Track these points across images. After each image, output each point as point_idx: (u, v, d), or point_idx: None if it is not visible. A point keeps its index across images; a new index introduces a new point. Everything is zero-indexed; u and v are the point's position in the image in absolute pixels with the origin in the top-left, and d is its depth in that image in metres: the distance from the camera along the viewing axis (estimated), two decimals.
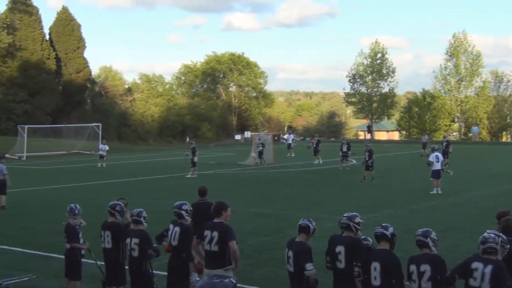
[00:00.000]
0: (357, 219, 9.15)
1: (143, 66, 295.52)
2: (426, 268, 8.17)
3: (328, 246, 9.17)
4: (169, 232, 10.57)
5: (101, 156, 46.21)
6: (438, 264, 8.15)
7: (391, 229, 8.68)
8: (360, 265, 8.77)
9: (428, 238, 8.41)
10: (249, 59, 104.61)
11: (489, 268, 7.87)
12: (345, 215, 9.18)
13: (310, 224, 9.27)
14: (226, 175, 38.33)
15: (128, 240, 10.57)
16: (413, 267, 8.28)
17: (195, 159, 36.77)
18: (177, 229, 10.46)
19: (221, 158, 52.94)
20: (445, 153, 39.66)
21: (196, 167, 36.98)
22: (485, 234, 8.32)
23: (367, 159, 33.67)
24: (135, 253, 10.41)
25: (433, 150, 29.82)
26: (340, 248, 8.97)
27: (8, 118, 71.72)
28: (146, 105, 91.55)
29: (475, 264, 7.98)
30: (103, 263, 11.31)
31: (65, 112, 79.50)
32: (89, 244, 11.87)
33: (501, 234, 8.44)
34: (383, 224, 8.81)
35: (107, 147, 47.39)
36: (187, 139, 43.10)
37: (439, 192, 27.89)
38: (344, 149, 39.85)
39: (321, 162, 45.26)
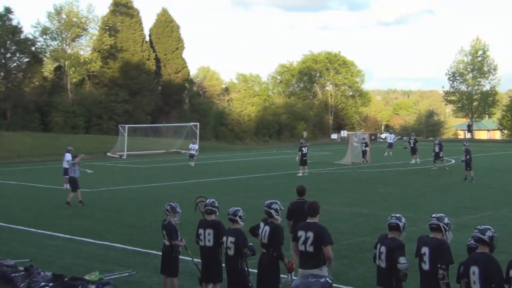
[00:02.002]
0: (446, 220, 9.03)
1: (240, 66, 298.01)
2: None
3: (416, 246, 9.08)
4: (260, 230, 10.61)
5: (191, 156, 46.72)
6: None
7: (489, 232, 8.40)
8: (445, 267, 8.62)
9: None
10: (346, 57, 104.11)
11: None
12: (433, 215, 9.05)
13: (399, 222, 9.29)
14: (322, 174, 38.18)
15: (224, 239, 10.67)
16: None
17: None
18: (267, 228, 10.47)
19: (318, 157, 52.74)
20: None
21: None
22: None
23: (464, 158, 33.08)
24: (231, 252, 10.51)
25: None
26: (425, 249, 8.87)
27: (110, 117, 73.83)
28: (243, 104, 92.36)
29: None
30: (199, 260, 11.44)
31: (164, 111, 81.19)
32: (186, 242, 12.02)
33: None
34: (481, 227, 8.55)
35: (196, 146, 48.59)
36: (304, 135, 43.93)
37: None
38: (436, 149, 38.78)
39: (418, 162, 44.46)
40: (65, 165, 30.12)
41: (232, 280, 10.64)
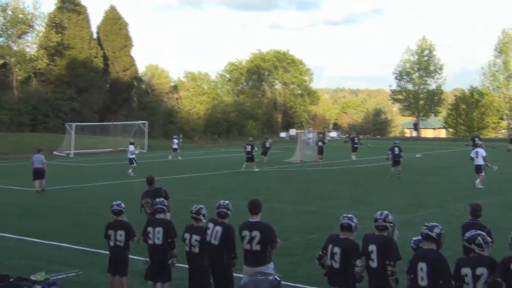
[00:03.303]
0: (390, 218, 9.20)
1: (189, 65, 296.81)
2: (483, 271, 8.05)
3: (362, 244, 9.19)
4: (209, 231, 10.54)
5: (174, 149, 50.20)
6: (494, 268, 8.01)
7: (437, 230, 8.56)
8: (393, 263, 8.76)
9: (487, 245, 8.30)
10: (294, 56, 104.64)
11: None
12: (379, 216, 9.19)
13: (351, 222, 9.34)
14: (271, 173, 38.31)
15: (187, 236, 10.70)
16: (466, 270, 8.14)
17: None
18: (218, 228, 10.43)
19: (267, 155, 52.85)
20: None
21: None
22: None
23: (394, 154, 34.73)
24: (196, 250, 10.59)
25: (477, 146, 31.03)
26: (372, 247, 8.98)
27: (56, 115, 72.86)
28: (192, 102, 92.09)
29: None
30: (147, 259, 11.39)
31: (112, 109, 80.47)
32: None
33: None
34: (430, 224, 8.70)
35: (176, 141, 50.81)
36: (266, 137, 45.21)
37: (480, 187, 28.38)
38: (396, 151, 35.32)
39: (354, 159, 45.61)
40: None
41: (195, 278, 10.69)
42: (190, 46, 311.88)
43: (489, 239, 8.44)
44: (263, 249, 9.92)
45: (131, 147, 37.62)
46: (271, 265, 10.05)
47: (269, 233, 10.03)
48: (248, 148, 39.97)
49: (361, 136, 54.27)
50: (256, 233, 9.93)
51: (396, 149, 34.77)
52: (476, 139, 45.34)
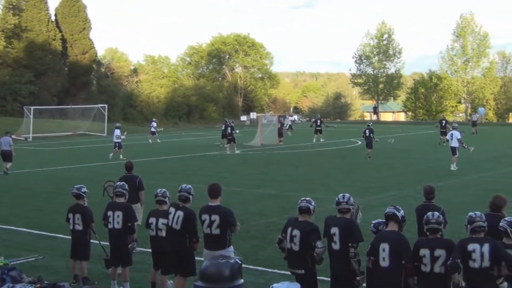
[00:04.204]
0: (352, 200, 9.32)
1: (148, 48, 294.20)
2: (441, 253, 8.22)
3: (324, 227, 9.28)
4: (170, 216, 10.53)
5: (153, 133, 50.50)
6: (452, 249, 8.19)
7: (402, 212, 8.73)
8: (356, 245, 8.88)
9: (441, 226, 8.48)
10: (255, 40, 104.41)
11: (486, 247, 7.96)
12: (341, 199, 9.28)
13: (309, 205, 9.40)
14: (232, 156, 38.32)
15: (153, 220, 10.70)
16: (425, 251, 8.31)
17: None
18: (180, 213, 10.43)
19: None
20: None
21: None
22: (471, 213, 8.42)
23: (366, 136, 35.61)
24: (163, 233, 10.65)
25: (453, 128, 31.54)
26: (335, 230, 9.08)
27: (14, 99, 71.70)
28: (152, 86, 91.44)
29: (472, 246, 8.04)
30: (107, 243, 11.37)
31: (71, 93, 79.50)
32: (94, 225, 11.95)
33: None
34: (395, 206, 8.85)
35: (155, 124, 51.26)
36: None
37: (455, 168, 29.24)
38: (367, 133, 35.86)
39: (320, 141, 45.90)
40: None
41: (161, 262, 10.80)
42: (149, 29, 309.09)
43: (442, 219, 8.62)
44: (222, 233, 9.98)
45: (117, 131, 37.10)
46: (231, 248, 10.13)
47: (229, 217, 10.07)
48: (228, 129, 40.57)
49: (324, 119, 54.64)
50: (215, 217, 9.98)
51: (367, 131, 35.50)
52: (444, 121, 46.13)
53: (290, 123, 61.84)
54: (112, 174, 15.82)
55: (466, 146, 30.27)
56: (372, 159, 34.23)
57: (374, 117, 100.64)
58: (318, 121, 48.87)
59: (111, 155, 36.20)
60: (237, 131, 41.33)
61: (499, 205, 9.90)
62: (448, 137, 31.59)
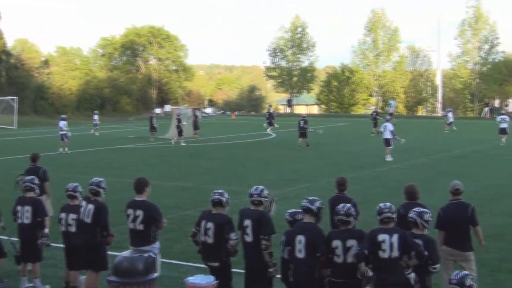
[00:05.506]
0: (265, 192, 9.36)
1: (59, 39, 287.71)
2: (353, 243, 8.34)
3: (238, 219, 9.32)
4: (81, 209, 10.34)
5: (95, 125, 51.10)
6: (363, 240, 8.33)
7: (317, 203, 8.80)
8: (268, 237, 8.93)
9: (351, 217, 8.60)
10: (169, 32, 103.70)
11: (395, 238, 8.13)
12: (253, 191, 9.32)
13: (222, 197, 9.42)
14: (146, 149, 37.98)
15: (63, 215, 10.47)
16: (337, 242, 8.42)
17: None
18: (91, 206, 10.25)
19: (141, 131, 52.42)
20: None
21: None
22: (381, 204, 8.60)
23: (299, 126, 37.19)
24: (73, 229, 10.42)
25: (386, 121, 32.53)
26: (247, 222, 9.12)
27: None
28: (64, 78, 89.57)
29: (381, 236, 8.20)
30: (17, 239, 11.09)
31: None
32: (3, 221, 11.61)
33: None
34: (310, 198, 8.92)
35: (97, 117, 52.00)
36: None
37: (390, 159, 30.09)
38: (302, 124, 37.63)
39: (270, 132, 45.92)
40: None
41: (72, 258, 10.61)
42: (61, 20, 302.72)
43: (353, 211, 8.76)
44: (146, 229, 9.84)
45: (62, 123, 35.96)
46: (157, 245, 9.99)
47: (153, 213, 9.93)
48: (176, 122, 40.88)
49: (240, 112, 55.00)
50: (139, 212, 9.84)
51: (302, 122, 37.10)
52: (375, 113, 48.29)
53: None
54: (23, 168, 15.37)
55: (398, 138, 31.18)
56: (285, 151, 34.54)
57: (288, 110, 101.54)
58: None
59: (60, 149, 35.26)
60: (185, 123, 41.40)
61: (414, 193, 10.16)
62: (381, 129, 32.48)
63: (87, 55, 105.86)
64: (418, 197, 10.16)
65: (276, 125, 52.45)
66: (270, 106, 58.64)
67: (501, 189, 22.25)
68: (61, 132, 35.64)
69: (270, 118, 50.98)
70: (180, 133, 40.36)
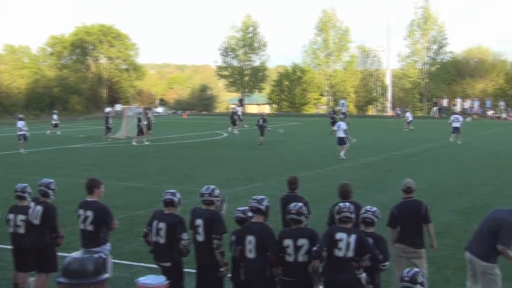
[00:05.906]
0: (216, 192, 9.39)
1: (7, 37, 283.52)
2: (304, 242, 8.39)
3: (190, 219, 9.33)
4: (30, 211, 10.21)
5: (55, 125, 50.43)
6: (314, 239, 8.38)
7: (265, 202, 8.85)
8: (219, 237, 8.96)
9: (302, 216, 8.64)
10: (120, 31, 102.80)
11: (353, 238, 8.22)
12: (204, 191, 9.34)
13: (173, 197, 9.42)
14: (97, 149, 37.64)
15: (11, 217, 10.32)
16: (288, 241, 8.46)
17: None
18: (39, 207, 10.13)
19: (91, 131, 51.94)
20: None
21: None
22: (340, 204, 8.71)
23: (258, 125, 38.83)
24: (21, 230, 10.25)
25: (340, 119, 34.07)
26: (199, 221, 9.13)
27: None
28: (12, 76, 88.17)
29: (339, 235, 8.28)
30: None
31: None
32: None
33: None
34: (258, 198, 8.95)
35: (56, 117, 51.32)
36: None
37: (344, 157, 30.54)
38: (260, 122, 39.67)
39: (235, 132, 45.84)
40: None
41: (20, 260, 10.42)
42: (8, 17, 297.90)
43: (304, 210, 8.81)
44: (96, 230, 9.80)
45: (20, 123, 35.19)
46: (107, 246, 9.94)
47: (103, 214, 9.87)
48: (137, 121, 41.31)
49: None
50: (90, 213, 9.79)
51: (261, 120, 38.83)
52: (332, 112, 49.93)
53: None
54: None
55: (350, 137, 31.65)
56: (239, 150, 34.61)
57: (240, 109, 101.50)
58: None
59: (22, 150, 34.57)
60: (145, 122, 41.20)
61: (347, 192, 10.29)
62: (335, 127, 33.25)
63: (36, 53, 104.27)
64: (351, 196, 10.29)
65: (245, 126, 52.36)
66: (237, 105, 58.65)
67: (449, 187, 22.66)
68: (20, 132, 35.03)
69: (234, 117, 50.38)
70: (140, 132, 40.07)
